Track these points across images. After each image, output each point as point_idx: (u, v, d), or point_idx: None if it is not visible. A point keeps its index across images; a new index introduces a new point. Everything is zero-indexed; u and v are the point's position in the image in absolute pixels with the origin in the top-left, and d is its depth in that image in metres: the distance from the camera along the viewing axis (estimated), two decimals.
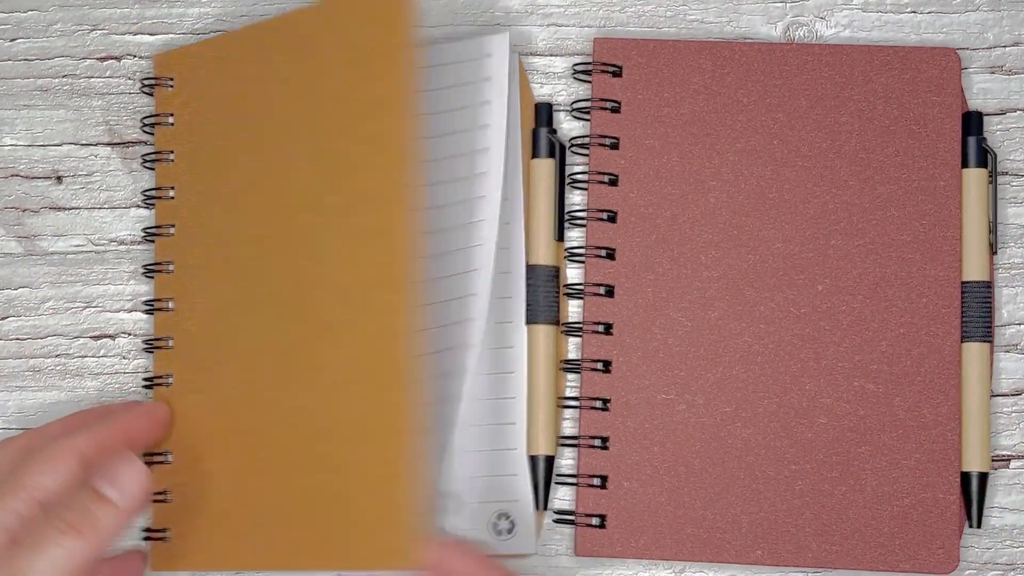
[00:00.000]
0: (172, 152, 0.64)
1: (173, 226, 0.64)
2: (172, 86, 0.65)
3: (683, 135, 0.66)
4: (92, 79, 0.68)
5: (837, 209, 0.65)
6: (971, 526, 0.64)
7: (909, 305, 0.64)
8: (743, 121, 0.66)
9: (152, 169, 0.66)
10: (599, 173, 0.66)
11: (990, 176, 0.65)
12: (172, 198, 0.64)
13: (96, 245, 0.67)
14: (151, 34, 0.68)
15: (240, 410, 0.60)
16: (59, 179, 0.67)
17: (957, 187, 0.65)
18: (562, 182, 0.66)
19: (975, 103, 0.68)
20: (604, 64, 0.66)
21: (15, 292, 0.67)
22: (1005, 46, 0.68)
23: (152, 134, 0.66)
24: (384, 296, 0.55)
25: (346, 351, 0.56)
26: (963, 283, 0.65)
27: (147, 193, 0.66)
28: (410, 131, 0.56)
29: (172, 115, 0.65)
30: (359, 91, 0.58)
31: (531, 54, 0.67)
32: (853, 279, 0.65)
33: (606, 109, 0.66)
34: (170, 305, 0.63)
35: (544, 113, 0.66)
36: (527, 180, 0.65)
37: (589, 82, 0.67)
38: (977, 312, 0.64)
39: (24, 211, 0.67)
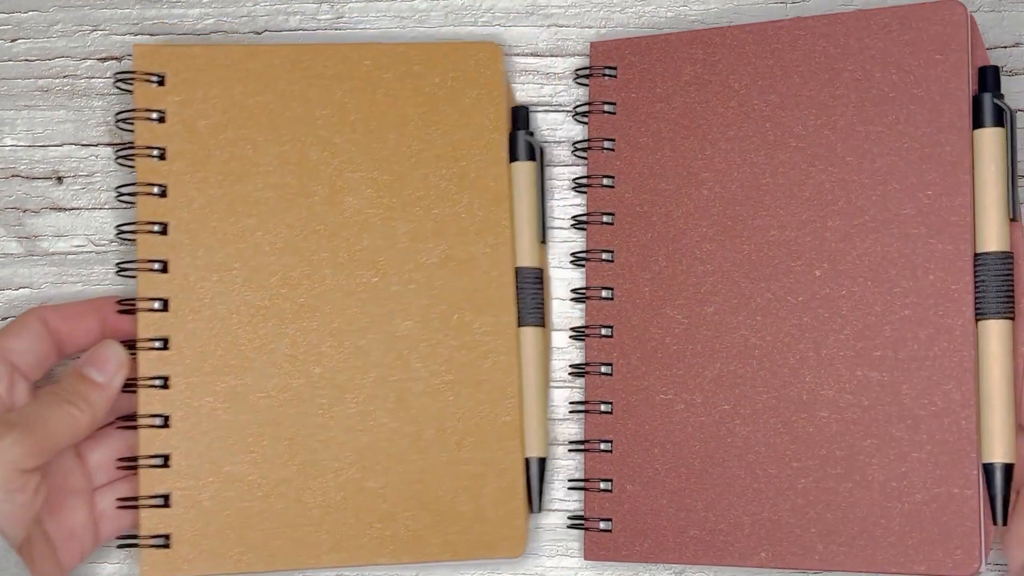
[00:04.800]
0: (161, 149, 0.64)
1: (163, 224, 0.64)
2: (161, 83, 0.64)
3: (675, 129, 0.64)
4: (93, 79, 0.67)
5: (834, 188, 0.61)
6: (995, 523, 0.57)
7: (915, 284, 0.59)
8: (734, 107, 0.63)
9: (129, 165, 0.65)
10: (597, 176, 0.66)
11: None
12: (162, 196, 0.64)
13: (96, 245, 0.67)
14: (151, 34, 0.68)
15: (281, 416, 0.63)
16: (60, 179, 0.67)
17: (967, 151, 0.59)
18: (543, 184, 0.66)
19: None
20: (601, 68, 0.66)
21: (15, 292, 0.67)
22: (1005, 46, 0.64)
23: (131, 129, 0.64)
24: (470, 316, 0.64)
25: (424, 363, 0.64)
26: (978, 255, 0.59)
27: (123, 189, 0.65)
28: (503, 175, 0.65)
29: (162, 112, 0.64)
30: (443, 132, 0.65)
31: (532, 55, 0.68)
32: (852, 261, 0.60)
33: (604, 112, 0.66)
34: (157, 306, 0.63)
35: (522, 116, 0.66)
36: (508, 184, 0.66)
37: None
38: (995, 286, 0.58)
39: (24, 211, 0.67)
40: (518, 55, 0.68)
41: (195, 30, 0.68)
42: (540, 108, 0.68)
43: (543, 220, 0.66)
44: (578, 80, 0.67)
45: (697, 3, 0.67)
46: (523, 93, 0.68)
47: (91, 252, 0.67)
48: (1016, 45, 0.65)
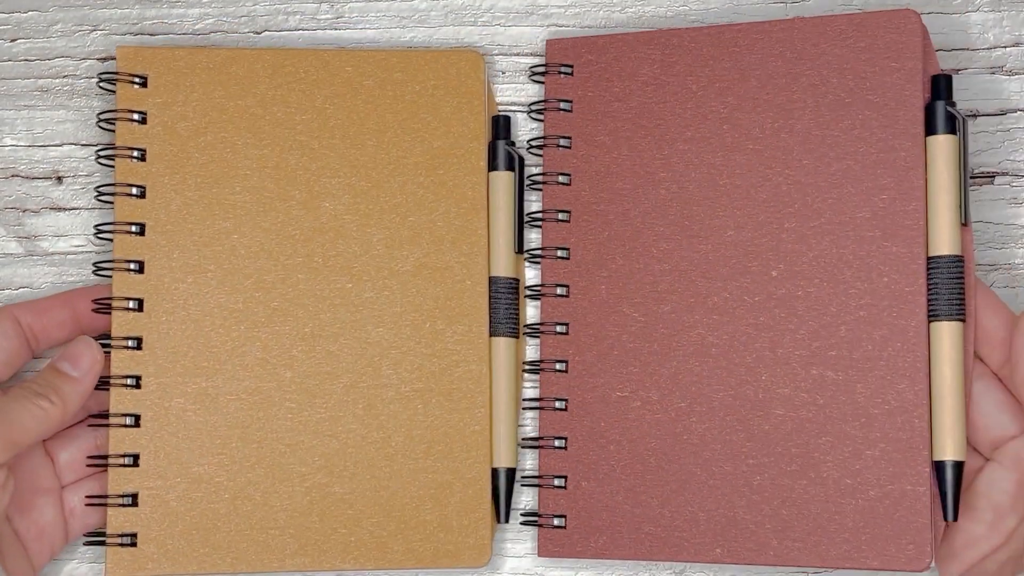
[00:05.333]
0: (142, 150, 0.64)
1: (140, 225, 0.64)
2: (143, 84, 0.64)
3: (633, 129, 0.65)
4: (93, 79, 0.67)
5: (791, 191, 0.62)
6: (946, 519, 0.59)
7: (869, 286, 0.61)
8: (692, 109, 0.64)
9: (109, 165, 0.65)
10: (553, 174, 0.66)
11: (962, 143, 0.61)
12: (141, 196, 0.64)
13: (96, 245, 0.66)
14: (151, 34, 0.68)
15: (251, 419, 0.63)
16: (59, 179, 0.67)
17: (921, 156, 0.61)
18: (521, 195, 0.66)
19: (975, 103, 0.65)
20: (557, 65, 0.66)
21: (15, 292, 0.67)
22: (1005, 46, 0.66)
23: (113, 129, 0.64)
24: (442, 325, 0.64)
25: (395, 370, 0.64)
26: (931, 258, 0.60)
27: (102, 189, 0.64)
28: (480, 184, 0.65)
29: (144, 113, 0.64)
30: (422, 140, 0.65)
31: (532, 54, 0.68)
32: (808, 263, 0.62)
33: (560, 110, 0.66)
34: (132, 306, 0.64)
35: (502, 125, 0.66)
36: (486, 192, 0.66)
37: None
38: (947, 288, 0.60)
39: (24, 211, 0.67)
40: (518, 55, 0.68)
41: (195, 30, 0.68)
42: (539, 107, 0.67)
43: (520, 230, 0.65)
44: (533, 78, 0.67)
45: (697, 3, 0.67)
46: (523, 93, 0.68)
47: (91, 252, 0.67)
48: (1016, 45, 0.66)
